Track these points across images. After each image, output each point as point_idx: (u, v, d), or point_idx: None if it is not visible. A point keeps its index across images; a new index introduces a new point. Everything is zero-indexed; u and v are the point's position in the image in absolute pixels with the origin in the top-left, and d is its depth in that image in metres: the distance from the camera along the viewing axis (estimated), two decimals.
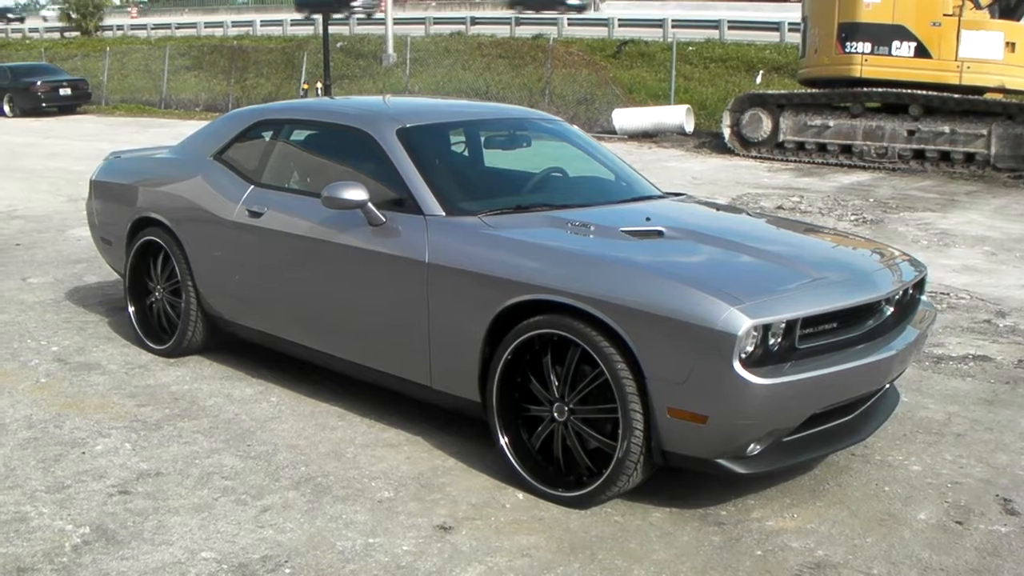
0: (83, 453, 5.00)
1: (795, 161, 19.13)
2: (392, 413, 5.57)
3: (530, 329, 4.52)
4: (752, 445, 4.25)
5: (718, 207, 6.37)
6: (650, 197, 5.91)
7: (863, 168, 18.11)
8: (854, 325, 4.55)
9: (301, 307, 5.68)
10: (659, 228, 4.94)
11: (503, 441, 4.69)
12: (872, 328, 4.63)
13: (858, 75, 18.45)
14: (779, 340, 4.19)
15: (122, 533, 4.20)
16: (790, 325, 4.21)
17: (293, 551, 4.07)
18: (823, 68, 19.22)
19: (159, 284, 6.65)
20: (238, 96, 31.72)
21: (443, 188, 5.22)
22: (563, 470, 4.59)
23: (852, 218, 12.67)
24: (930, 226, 12.28)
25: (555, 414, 4.53)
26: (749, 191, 15.07)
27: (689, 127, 22.88)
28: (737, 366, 4.02)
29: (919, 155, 17.92)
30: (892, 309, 4.77)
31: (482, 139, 6.18)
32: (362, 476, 4.80)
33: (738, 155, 19.88)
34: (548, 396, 4.56)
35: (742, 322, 4.02)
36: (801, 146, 19.29)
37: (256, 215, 5.85)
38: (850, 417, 4.73)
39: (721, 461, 4.24)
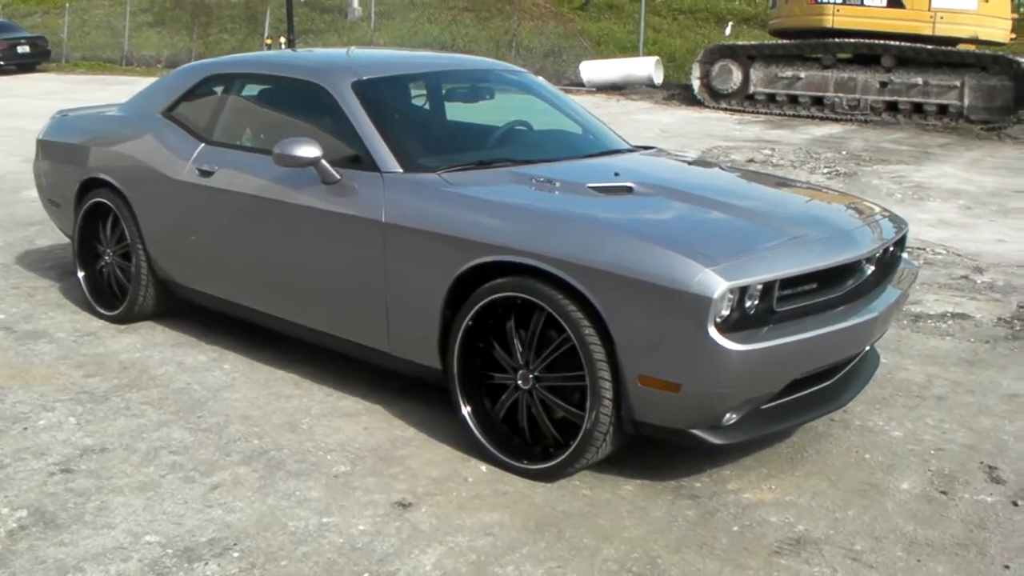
0: (25, 429, 4.72)
1: (766, 113, 18.90)
2: (350, 380, 5.32)
3: (492, 292, 4.27)
4: (728, 414, 4.02)
5: (690, 161, 6.12)
6: (618, 151, 5.66)
7: (835, 120, 17.90)
8: (834, 286, 4.31)
9: (254, 270, 5.40)
10: (628, 184, 4.68)
11: (465, 411, 4.45)
12: (852, 288, 4.40)
13: (829, 25, 18.24)
14: (756, 303, 3.95)
15: (62, 516, 3.93)
16: (768, 287, 3.97)
17: (242, 533, 3.82)
18: (794, 18, 18.99)
19: (109, 248, 6.35)
20: (201, 52, 31.08)
21: (401, 143, 4.94)
22: (528, 441, 4.36)
23: (825, 171, 12.45)
24: (904, 179, 12.09)
25: (519, 382, 4.29)
26: (720, 144, 14.83)
27: (658, 79, 22.58)
28: (712, 331, 3.78)
29: (892, 107, 17.73)
30: (873, 268, 4.53)
31: (443, 91, 5.89)
32: (317, 449, 4.55)
33: (708, 107, 19.65)
34: (512, 363, 4.32)
35: (717, 284, 3.77)
36: (772, 98, 19.07)
37: (207, 174, 5.56)
38: (830, 382, 4.51)
39: (695, 431, 4.01)
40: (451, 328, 4.45)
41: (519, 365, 4.28)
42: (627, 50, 26.40)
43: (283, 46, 28.22)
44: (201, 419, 4.85)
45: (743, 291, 3.88)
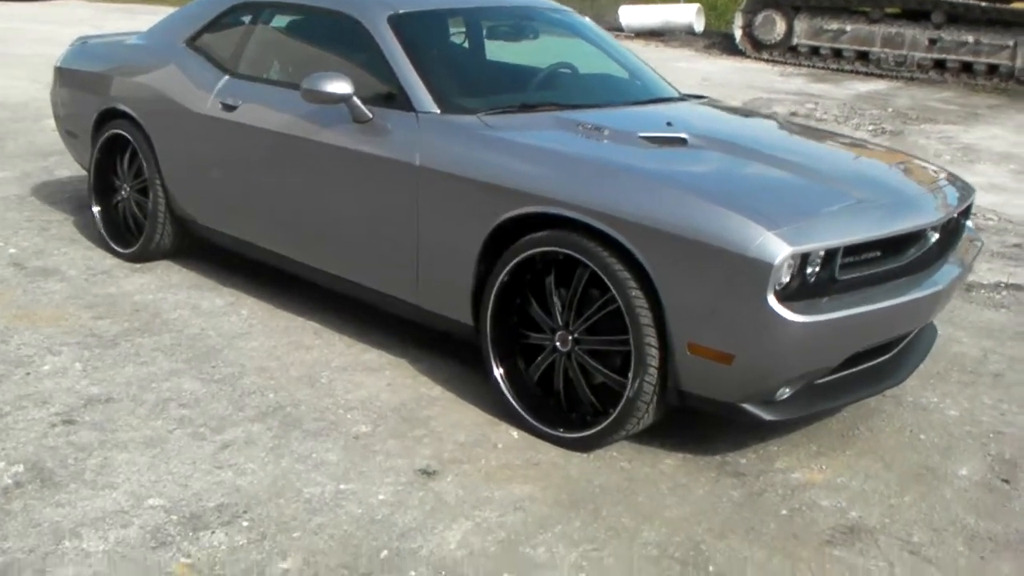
0: (28, 374, 4.44)
1: (808, 66, 18.38)
2: (374, 331, 5.03)
3: (532, 246, 3.95)
4: (782, 389, 3.72)
5: (745, 113, 5.77)
6: (669, 99, 5.30)
7: (880, 76, 17.35)
8: (897, 254, 3.98)
9: (277, 212, 5.10)
10: (682, 135, 4.35)
11: (497, 373, 4.15)
12: (916, 258, 4.06)
13: None
14: (817, 270, 3.63)
15: (61, 473, 3.65)
16: (830, 254, 3.64)
17: (253, 499, 3.53)
18: None
19: (126, 182, 6.05)
20: None
21: (438, 82, 4.61)
22: (564, 407, 4.06)
23: (870, 128, 12.03)
24: (952, 140, 11.66)
25: (557, 343, 3.98)
26: (761, 95, 14.39)
27: (699, 27, 22.03)
28: (771, 300, 3.46)
29: (939, 65, 17.17)
30: (937, 236, 4.18)
31: (484, 30, 5.54)
32: (337, 406, 4.26)
33: (749, 57, 19.13)
34: (550, 323, 4.01)
35: (780, 249, 3.45)
36: (815, 51, 18.53)
37: (230, 108, 5.25)
38: (887, 357, 4.19)
39: (746, 406, 3.70)
40: (486, 282, 4.15)
41: (558, 326, 3.98)
42: None
43: None
44: (215, 369, 4.57)
45: (805, 257, 3.56)
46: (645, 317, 3.68)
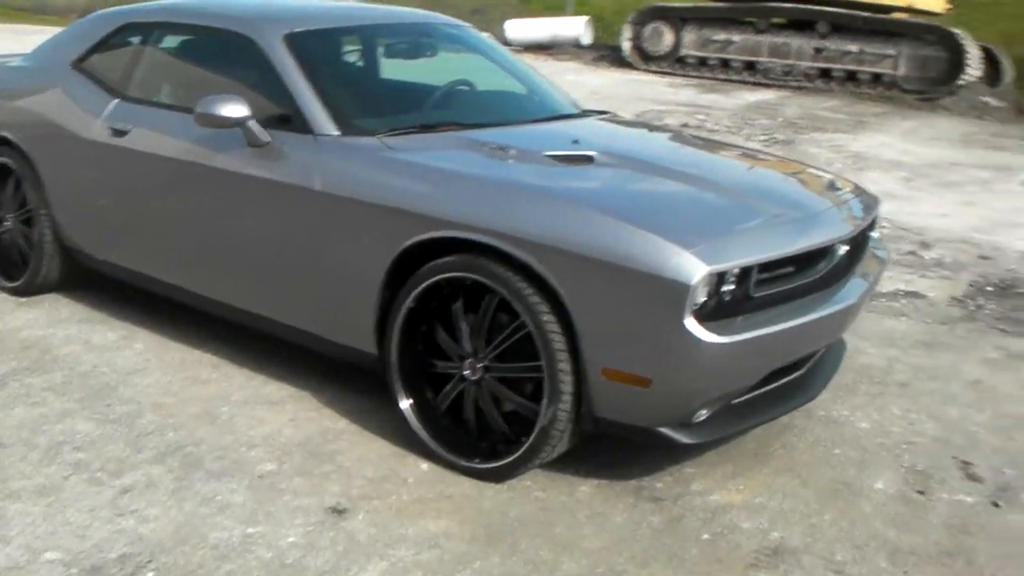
0: None
1: (697, 77, 18.56)
2: (274, 363, 4.85)
3: (438, 272, 3.83)
4: (700, 411, 3.65)
5: (650, 128, 5.72)
6: (571, 116, 5.22)
7: (768, 86, 17.59)
8: (809, 270, 3.95)
9: (172, 241, 4.89)
10: (589, 152, 4.26)
11: (404, 404, 4.01)
12: (827, 273, 4.04)
13: None
14: (732, 289, 3.57)
15: None
16: (745, 271, 3.58)
17: (157, 547, 3.34)
18: None
19: (10, 212, 5.77)
20: (117, 0, 29.99)
21: (337, 103, 4.46)
22: (475, 437, 3.94)
23: (762, 138, 12.15)
24: (842, 148, 11.83)
25: (466, 372, 3.87)
26: (652, 107, 14.46)
27: (587, 40, 22.10)
28: (689, 321, 3.39)
29: (825, 74, 17.47)
30: (845, 250, 4.15)
31: (380, 48, 5.40)
32: (239, 444, 4.08)
33: (638, 69, 19.26)
34: (459, 351, 3.89)
35: (696, 269, 3.38)
36: (703, 61, 18.74)
37: (120, 133, 5.03)
38: (800, 373, 4.16)
39: (663, 430, 3.62)
40: (391, 310, 4.01)
41: (467, 353, 3.86)
42: (553, 9, 25.87)
43: None
44: (110, 408, 4.35)
45: (720, 276, 3.50)
46: (558, 342, 3.58)
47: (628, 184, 4.05)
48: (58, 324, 5.31)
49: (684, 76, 18.59)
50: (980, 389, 5.08)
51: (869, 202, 4.55)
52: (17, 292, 5.69)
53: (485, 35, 5.98)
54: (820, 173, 4.88)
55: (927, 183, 10.06)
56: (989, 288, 6.83)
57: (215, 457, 3.96)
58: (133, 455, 3.95)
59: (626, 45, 19.63)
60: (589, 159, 4.20)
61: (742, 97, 16.34)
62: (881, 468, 4.19)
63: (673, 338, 3.41)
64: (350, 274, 4.12)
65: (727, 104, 15.34)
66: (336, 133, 4.30)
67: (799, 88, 17.35)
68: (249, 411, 4.37)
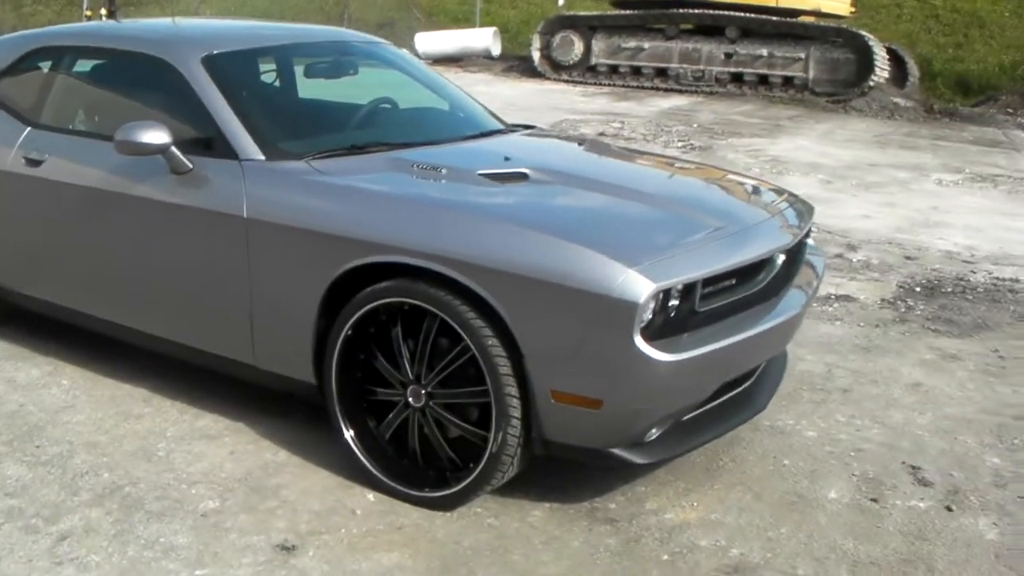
0: None
1: (609, 85, 18.62)
2: (207, 395, 4.67)
3: (376, 298, 3.70)
4: (651, 430, 3.57)
5: (578, 141, 5.64)
6: (497, 132, 5.12)
7: (680, 92, 17.71)
8: (750, 282, 3.89)
9: (95, 273, 4.69)
10: (522, 170, 4.16)
11: (348, 435, 3.87)
12: (767, 284, 3.98)
13: None
14: (678, 304, 3.49)
15: None
16: (690, 286, 3.51)
17: None
18: None
19: None
20: (14, 24, 29.23)
21: (260, 126, 4.30)
22: (421, 465, 3.82)
23: (679, 144, 12.19)
24: (760, 152, 11.90)
25: (410, 399, 3.74)
26: (567, 117, 14.44)
27: (496, 51, 22.10)
28: (638, 340, 3.31)
29: (737, 79, 17.64)
30: (783, 259, 4.10)
31: (299, 67, 5.25)
32: (179, 481, 3.91)
33: (549, 79, 19.29)
34: (400, 377, 3.77)
35: (644, 287, 3.30)
36: (615, 69, 18.82)
37: (35, 163, 4.81)
38: (746, 385, 4.10)
39: (616, 451, 3.53)
40: (327, 338, 3.88)
41: (409, 380, 3.74)
42: (460, 21, 25.85)
43: (103, 19, 26.75)
44: (40, 449, 4.15)
45: (667, 293, 3.42)
46: (504, 366, 3.47)
47: (565, 201, 3.96)
48: None
49: (596, 84, 18.65)
50: (920, 392, 5.08)
51: (804, 210, 4.51)
52: None
53: (403, 51, 5.85)
54: (754, 182, 4.84)
55: (847, 185, 10.14)
56: (917, 289, 6.87)
57: (155, 497, 3.78)
58: (69, 499, 3.76)
59: (536, 55, 19.65)
60: (523, 176, 4.10)
61: (656, 104, 16.41)
62: (832, 477, 4.14)
63: (623, 358, 3.33)
64: (284, 303, 3.98)
65: (641, 112, 15.38)
66: (261, 157, 4.15)
67: (711, 93, 17.49)
68: (186, 446, 4.20)
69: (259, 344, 4.12)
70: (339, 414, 3.88)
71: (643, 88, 18.11)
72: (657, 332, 3.40)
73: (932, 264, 7.51)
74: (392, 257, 3.63)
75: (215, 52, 4.57)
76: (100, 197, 4.54)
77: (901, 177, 10.84)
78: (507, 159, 4.34)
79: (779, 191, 4.67)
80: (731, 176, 4.97)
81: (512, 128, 5.23)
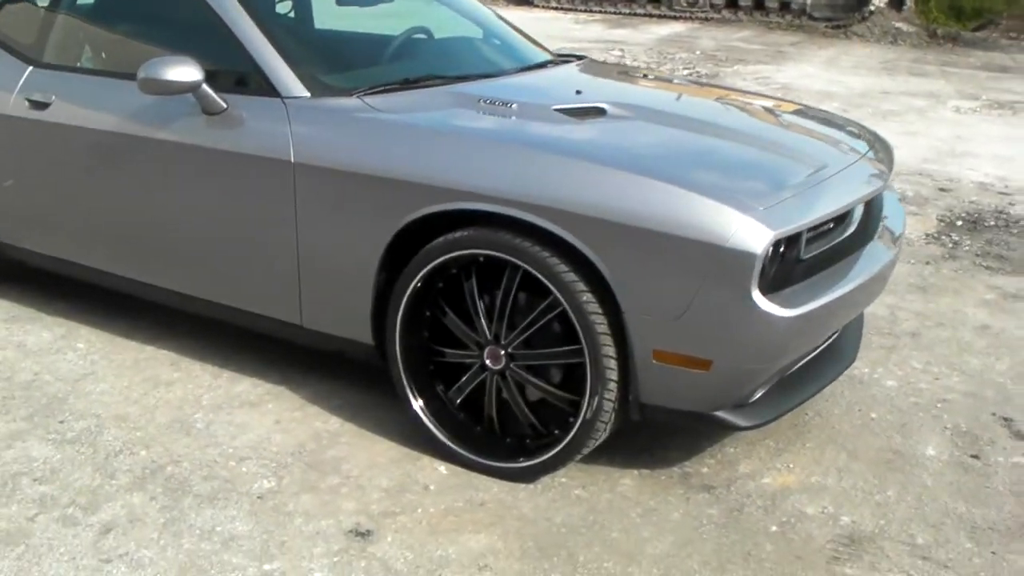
0: None
1: (600, 12, 18.08)
2: (237, 354, 4.30)
3: (451, 248, 3.32)
4: (758, 390, 3.25)
5: (641, 74, 5.23)
6: (552, 63, 4.70)
7: (674, 18, 17.21)
8: (845, 227, 3.57)
9: (113, 226, 4.28)
10: (599, 104, 3.79)
11: (417, 405, 3.52)
12: (861, 229, 3.66)
13: None
14: (786, 253, 3.15)
15: None
16: (796, 234, 3.16)
17: None
18: None
19: None
20: None
21: (302, 60, 3.89)
22: (497, 432, 3.48)
23: (685, 72, 11.79)
24: (769, 80, 11.53)
25: (488, 361, 3.39)
26: (565, 44, 13.87)
27: None
28: (756, 295, 2.97)
29: (732, 4, 17.16)
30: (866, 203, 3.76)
31: None
32: (225, 457, 3.55)
33: (538, 6, 18.70)
34: (476, 338, 3.41)
35: (762, 236, 2.95)
36: None
37: (41, 106, 4.38)
38: (835, 337, 3.78)
39: (720, 414, 3.21)
40: (387, 294, 3.51)
41: (486, 340, 3.38)
42: None
43: None
44: (64, 425, 3.76)
45: (781, 242, 3.08)
46: (600, 324, 3.13)
47: (655, 139, 3.59)
48: None
49: (587, 12, 18.12)
50: (990, 335, 4.81)
51: (886, 149, 4.16)
52: None
53: None
54: (836, 117, 4.49)
55: (864, 114, 9.77)
56: (959, 223, 6.59)
57: (202, 477, 3.42)
58: (106, 482, 3.39)
59: None
60: (601, 111, 3.73)
61: (652, 31, 15.94)
62: (925, 432, 3.86)
63: (738, 315, 3.00)
64: (338, 255, 3.61)
65: (639, 39, 14.93)
66: (307, 94, 3.75)
67: (707, 19, 17.02)
68: (226, 416, 3.84)
69: (307, 302, 3.76)
70: (405, 379, 3.53)
71: (636, 15, 17.59)
72: (771, 285, 3.07)
73: (968, 196, 7.21)
74: (474, 205, 3.25)
75: None
76: (119, 141, 4.13)
77: (918, 105, 10.50)
78: (578, 92, 3.96)
79: (858, 127, 4.33)
80: (808, 110, 4.59)
81: (564, 58, 4.82)
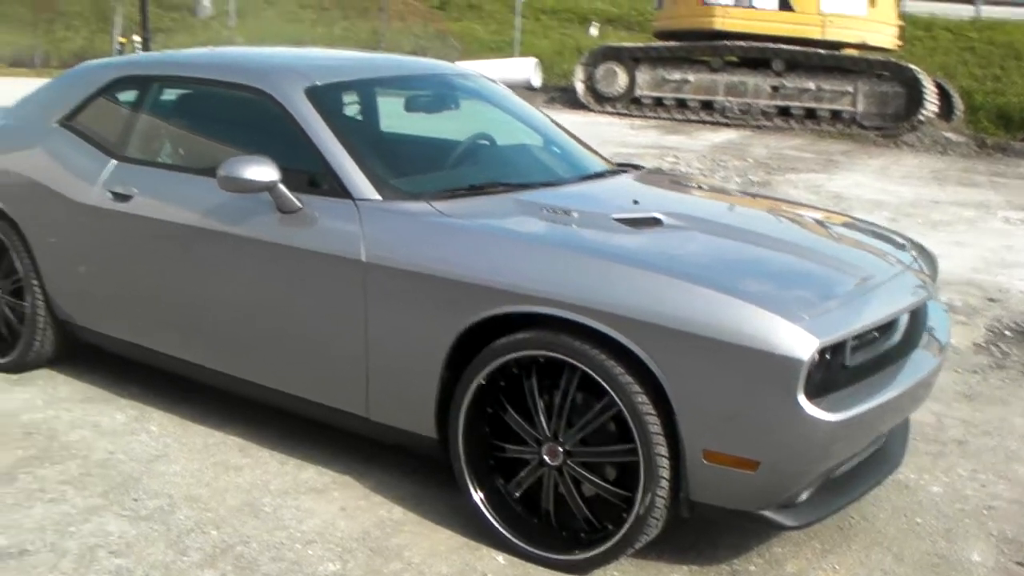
0: None
1: (655, 117, 18.42)
2: (303, 443, 4.49)
3: (514, 349, 3.52)
4: (805, 491, 3.38)
5: (696, 185, 5.43)
6: (611, 173, 4.90)
7: (726, 125, 17.51)
8: (891, 335, 3.72)
9: (190, 315, 4.52)
10: (655, 214, 3.99)
11: (477, 497, 3.68)
12: (905, 337, 3.81)
13: (718, 27, 17.82)
14: (832, 360, 3.31)
15: None
16: (842, 341, 3.33)
17: None
18: (681, 20, 18.55)
19: None
20: (47, 50, 29.27)
21: (373, 163, 4.13)
22: (554, 525, 3.63)
23: (738, 180, 12.00)
24: (820, 188, 11.71)
25: (546, 456, 3.55)
26: (619, 150, 14.21)
27: (537, 81, 21.88)
28: (802, 399, 3.13)
29: (784, 112, 17.44)
30: (910, 312, 3.92)
31: (401, 100, 5.06)
32: (292, 540, 3.72)
33: (593, 111, 19.08)
34: (535, 434, 3.58)
35: (809, 343, 3.12)
36: (659, 102, 18.62)
37: (123, 198, 4.65)
38: (883, 441, 3.91)
39: (767, 513, 3.35)
40: (451, 391, 3.69)
41: (545, 437, 3.55)
42: (492, 51, 25.64)
43: (137, 46, 26.68)
44: (138, 503, 3.96)
45: (827, 349, 3.24)
46: (654, 424, 3.30)
47: (708, 249, 3.78)
48: (59, 405, 4.90)
49: (642, 117, 18.47)
50: None
51: (930, 260, 4.32)
52: (7, 369, 5.27)
53: (498, 84, 5.65)
54: (882, 229, 4.65)
55: (914, 223, 9.93)
56: (1007, 333, 6.67)
57: (270, 558, 3.59)
58: (178, 559, 3.58)
59: (580, 87, 19.47)
60: (657, 221, 3.93)
61: (706, 138, 16.22)
62: (971, 538, 3.95)
63: (786, 418, 3.15)
64: (405, 352, 3.81)
65: (693, 145, 15.20)
66: (378, 197, 3.98)
67: (759, 127, 17.29)
68: (293, 501, 4.02)
69: (374, 395, 3.95)
70: (466, 472, 3.70)
71: (689, 121, 17.91)
72: (816, 390, 3.22)
73: (1017, 307, 7.30)
74: (536, 308, 3.45)
75: (318, 83, 4.41)
76: (197, 235, 4.38)
77: (967, 215, 10.64)
78: (636, 202, 4.17)
79: (904, 238, 4.49)
80: (856, 222, 4.77)
81: (622, 168, 5.04)
